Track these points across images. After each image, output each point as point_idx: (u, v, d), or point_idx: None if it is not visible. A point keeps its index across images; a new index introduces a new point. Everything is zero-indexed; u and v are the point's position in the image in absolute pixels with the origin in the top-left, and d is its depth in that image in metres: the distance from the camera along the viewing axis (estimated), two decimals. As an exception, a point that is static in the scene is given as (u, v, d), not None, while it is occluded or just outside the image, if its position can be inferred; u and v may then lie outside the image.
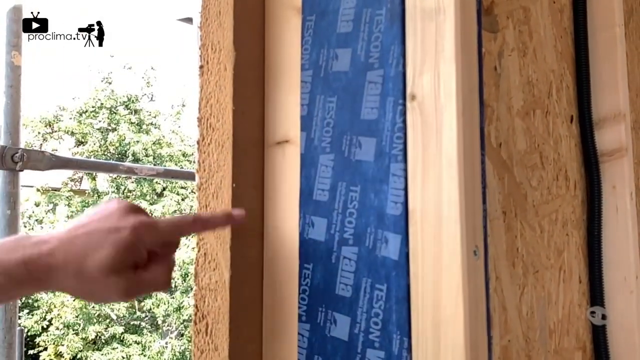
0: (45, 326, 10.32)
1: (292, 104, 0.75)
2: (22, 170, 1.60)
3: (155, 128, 12.05)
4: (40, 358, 10.26)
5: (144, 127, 11.71)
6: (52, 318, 10.36)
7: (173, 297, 10.75)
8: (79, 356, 10.24)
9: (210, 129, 0.76)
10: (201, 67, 0.79)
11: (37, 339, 10.19)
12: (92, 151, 11.06)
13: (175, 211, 11.28)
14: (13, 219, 1.63)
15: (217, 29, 0.77)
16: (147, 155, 11.02)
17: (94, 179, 11.51)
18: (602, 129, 0.98)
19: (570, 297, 0.91)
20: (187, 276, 10.74)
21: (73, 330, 10.26)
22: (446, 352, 0.58)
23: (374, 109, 0.66)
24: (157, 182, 11.26)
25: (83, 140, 11.34)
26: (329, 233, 0.69)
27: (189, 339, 10.59)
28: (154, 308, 10.70)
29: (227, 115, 0.74)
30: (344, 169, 0.69)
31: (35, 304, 10.20)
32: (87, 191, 11.65)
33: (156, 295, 10.85)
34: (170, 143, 11.74)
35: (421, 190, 0.61)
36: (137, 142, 11.04)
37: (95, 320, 10.49)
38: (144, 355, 10.38)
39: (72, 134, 11.29)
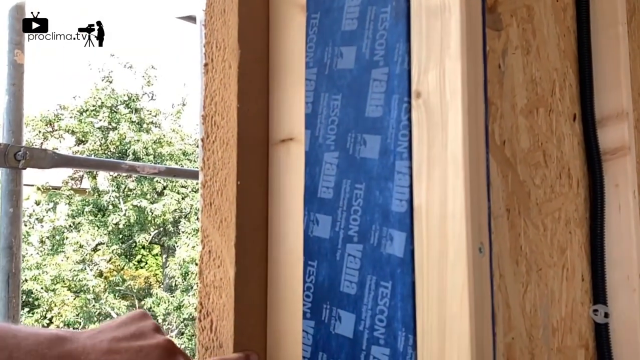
0: (45, 324, 10.33)
1: (297, 102, 0.75)
2: (24, 169, 1.60)
3: (155, 127, 12.05)
4: (41, 356, 10.25)
5: (145, 125, 11.72)
6: (52, 316, 10.37)
7: (173, 296, 10.76)
8: (79, 355, 10.23)
9: (214, 127, 0.76)
10: (206, 64, 0.79)
11: (38, 338, 10.18)
12: (92, 150, 11.06)
13: (175, 210, 11.28)
14: (15, 217, 1.63)
15: (222, 27, 0.77)
16: (147, 154, 11.03)
17: (94, 177, 11.51)
18: (604, 128, 0.98)
19: (573, 295, 0.92)
20: (188, 275, 10.76)
21: (74, 329, 10.27)
22: (451, 349, 0.58)
23: (379, 107, 0.66)
24: (157, 180, 11.26)
25: (83, 139, 11.34)
26: (333, 230, 0.69)
27: (190, 337, 10.61)
28: (154, 307, 10.71)
29: (232, 113, 0.74)
30: (349, 167, 0.69)
31: (36, 303, 10.21)
32: (87, 190, 11.66)
33: (156, 294, 10.87)
34: (170, 142, 11.75)
35: (426, 188, 0.61)
36: (138, 141, 11.04)
37: (95, 319, 10.49)
38: (145, 354, 10.37)
39: (73, 132, 11.30)
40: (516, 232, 0.80)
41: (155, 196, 11.41)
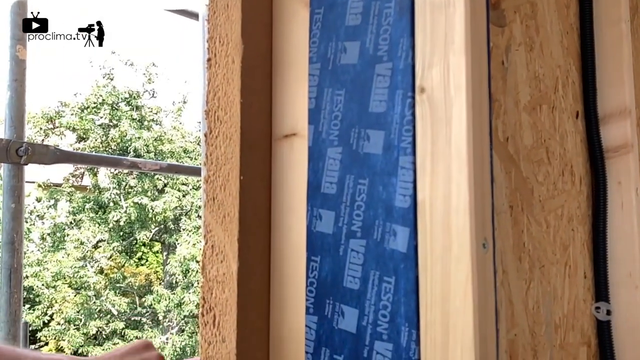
0: (46, 321, 10.35)
1: (300, 97, 0.75)
2: (26, 164, 1.60)
3: (156, 124, 12.05)
4: (41, 353, 10.27)
5: (145, 123, 11.72)
6: (53, 313, 10.38)
7: (174, 293, 10.76)
8: (80, 351, 10.26)
9: (218, 122, 0.76)
10: (209, 60, 0.79)
11: (39, 334, 10.21)
12: (93, 147, 11.06)
13: (176, 207, 11.29)
14: (17, 212, 1.63)
15: (225, 22, 0.77)
16: (148, 152, 11.03)
17: (95, 174, 11.51)
18: (607, 125, 0.98)
19: (576, 293, 0.92)
20: (188, 272, 10.76)
21: (74, 326, 10.27)
22: (455, 344, 0.58)
23: (383, 102, 0.66)
24: (158, 178, 11.27)
25: (84, 136, 11.35)
26: (336, 226, 0.69)
27: (190, 334, 10.62)
28: (154, 304, 10.72)
29: (235, 108, 0.74)
30: (352, 162, 0.69)
31: (37, 299, 10.22)
32: (88, 187, 11.66)
33: (157, 291, 10.87)
34: (171, 139, 11.75)
35: (430, 183, 0.61)
36: (139, 138, 11.04)
37: (96, 316, 10.51)
38: (145, 351, 10.38)
39: (74, 129, 11.30)
40: (519, 228, 0.80)
41: (156, 193, 11.41)
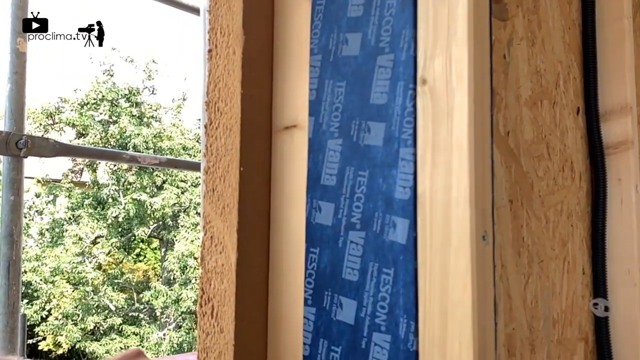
0: (44, 316, 10.35)
1: (301, 89, 0.75)
2: (26, 157, 1.60)
3: (156, 121, 12.05)
4: (39, 348, 10.28)
5: (145, 119, 11.71)
6: (51, 308, 10.38)
7: (172, 290, 10.77)
8: (77, 346, 10.26)
9: (218, 113, 0.76)
10: (210, 51, 0.78)
11: (36, 329, 10.21)
12: (92, 143, 11.06)
13: (174, 204, 11.28)
14: (16, 205, 1.63)
15: (226, 13, 0.77)
16: (147, 148, 11.02)
17: (94, 170, 11.51)
18: (608, 122, 0.98)
19: (574, 289, 0.92)
20: (186, 268, 10.76)
21: (72, 321, 10.27)
22: (453, 335, 0.58)
23: (384, 94, 0.66)
24: (157, 174, 11.27)
25: (84, 132, 11.34)
26: (336, 217, 0.69)
27: (187, 330, 10.62)
28: (152, 300, 10.72)
29: (236, 99, 0.74)
30: (353, 154, 0.69)
31: (35, 294, 10.22)
32: (87, 183, 11.66)
33: (155, 287, 10.87)
34: (170, 136, 11.74)
35: (430, 175, 0.61)
36: (138, 134, 11.04)
37: (94, 311, 10.51)
38: (142, 346, 10.39)
39: (73, 125, 11.29)
40: (519, 223, 0.80)
41: (155, 190, 11.41)
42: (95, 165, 11.41)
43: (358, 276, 0.66)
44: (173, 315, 10.92)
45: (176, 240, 11.59)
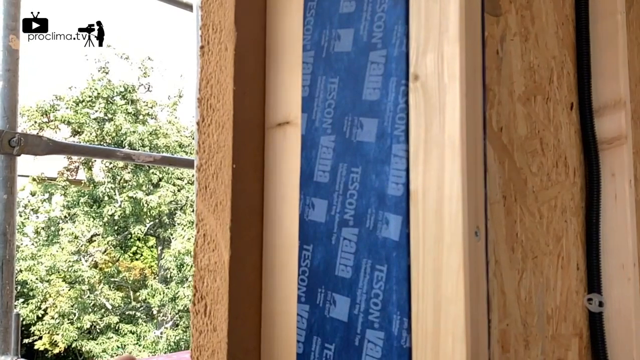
0: (40, 315, 10.33)
1: (293, 85, 0.74)
2: (19, 155, 1.59)
3: (151, 118, 12.02)
4: (35, 347, 10.26)
5: (141, 117, 11.69)
6: (47, 307, 10.37)
7: (168, 288, 10.76)
8: (73, 345, 10.25)
9: (210, 110, 0.76)
10: (202, 47, 0.78)
11: (32, 328, 10.20)
12: (88, 141, 11.03)
13: (171, 202, 11.27)
14: (10, 203, 1.62)
15: (218, 9, 0.76)
16: (143, 146, 11.00)
17: (90, 168, 11.49)
18: (602, 117, 0.98)
19: (568, 284, 0.92)
20: (183, 266, 10.76)
21: (68, 320, 10.26)
22: (446, 332, 0.58)
23: (376, 90, 0.66)
24: (153, 172, 11.25)
25: (79, 129, 11.31)
26: (329, 214, 0.69)
27: (184, 329, 10.62)
28: (149, 298, 10.71)
29: (228, 96, 0.74)
30: (345, 151, 0.68)
31: (31, 293, 10.20)
32: (83, 181, 11.63)
33: (151, 286, 10.87)
34: (166, 134, 11.73)
35: (423, 171, 0.61)
36: (134, 132, 11.01)
37: (90, 310, 10.50)
38: (139, 345, 10.39)
39: (69, 123, 11.27)
40: (512, 219, 0.80)
41: (151, 188, 11.40)
42: (90, 164, 11.38)
43: (351, 273, 0.66)
44: (170, 314, 10.92)
45: (173, 238, 11.58)
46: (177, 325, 10.83)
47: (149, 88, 12.12)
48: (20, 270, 9.83)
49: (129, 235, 11.79)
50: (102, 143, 11.09)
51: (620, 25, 0.97)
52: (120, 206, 11.07)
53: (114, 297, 10.76)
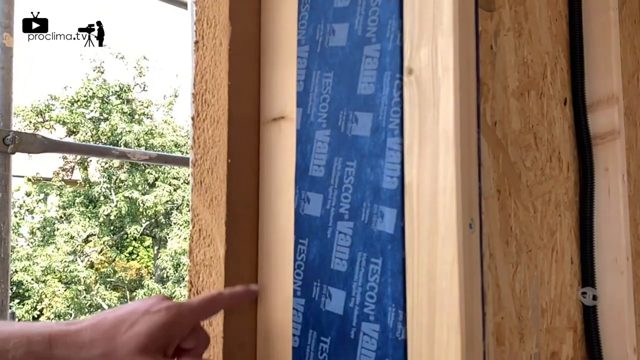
0: (36, 316, 10.30)
1: (288, 80, 0.75)
2: (13, 153, 1.59)
3: (147, 118, 12.00)
4: (31, 348, 10.22)
5: (136, 117, 11.66)
6: (43, 308, 10.33)
7: (165, 287, 10.75)
8: (70, 346, 10.21)
9: (205, 105, 0.76)
10: (196, 42, 0.78)
11: (28, 329, 10.15)
12: (83, 140, 11.00)
13: (167, 201, 11.25)
14: (4, 202, 1.62)
15: (213, 4, 0.76)
16: (139, 145, 10.98)
17: (85, 168, 11.46)
18: (595, 112, 0.98)
19: (562, 278, 0.92)
20: (179, 266, 10.74)
21: (64, 320, 10.24)
22: (441, 324, 0.58)
23: (371, 84, 0.66)
24: (149, 172, 11.23)
25: (75, 129, 11.28)
26: (324, 208, 0.69)
27: (181, 329, 10.59)
28: (146, 298, 10.68)
29: (223, 91, 0.74)
30: (340, 145, 0.69)
31: (26, 294, 10.16)
32: (78, 181, 11.60)
33: (148, 285, 10.85)
34: (162, 133, 11.70)
35: (417, 164, 0.61)
36: (129, 132, 10.99)
37: (86, 310, 10.47)
38: (136, 345, 10.37)
39: (64, 123, 11.23)
40: (506, 213, 0.80)
41: (147, 187, 11.38)
42: (86, 163, 11.36)
43: (347, 266, 0.66)
44: (166, 313, 10.88)
45: (169, 237, 11.56)
46: (174, 325, 10.81)
47: (144, 87, 12.09)
48: (16, 271, 9.80)
49: (125, 235, 11.76)
50: (97, 143, 11.06)
51: (613, 21, 0.98)
52: (116, 206, 11.05)
53: (111, 298, 10.73)
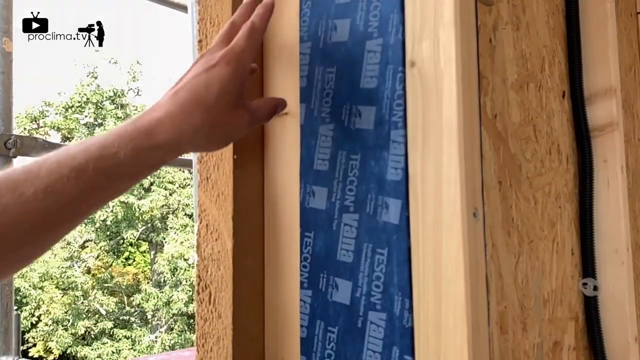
0: (34, 322, 10.27)
1: (291, 76, 0.76)
2: (15, 157, 1.60)
3: (142, 122, 11.97)
4: (30, 354, 10.20)
5: (131, 121, 11.64)
6: (40, 314, 10.31)
7: (162, 292, 10.73)
8: (68, 351, 10.20)
9: (210, 102, 0.77)
10: (200, 41, 0.79)
11: (26, 335, 10.13)
12: (79, 146, 10.96)
13: (163, 206, 11.24)
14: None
15: (216, 3, 0.78)
16: (134, 150, 10.95)
17: (81, 173, 11.42)
18: (593, 104, 1.00)
19: (563, 268, 0.93)
20: (176, 270, 10.73)
21: (62, 326, 10.21)
22: (447, 310, 0.59)
23: (374, 78, 0.67)
24: (145, 176, 11.20)
25: (69, 135, 11.27)
26: (329, 201, 0.70)
27: (179, 332, 10.59)
28: (143, 303, 10.67)
29: (227, 88, 0.75)
30: (344, 138, 0.70)
31: (24, 300, 10.13)
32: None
33: (145, 290, 10.83)
34: (157, 137, 11.67)
35: (421, 155, 0.62)
36: (125, 136, 10.96)
37: (84, 316, 10.45)
38: (134, 350, 10.36)
39: (58, 129, 11.23)
40: (508, 204, 0.82)
41: (143, 192, 11.36)
42: (82, 169, 11.32)
43: (353, 257, 0.67)
44: (164, 318, 10.88)
45: (165, 242, 11.55)
46: (172, 329, 10.80)
47: (138, 92, 12.09)
48: (14, 278, 9.77)
49: (122, 240, 11.75)
50: (93, 148, 11.02)
51: (610, 13, 0.99)
52: (112, 211, 11.03)
53: (108, 303, 10.72)
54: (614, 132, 0.97)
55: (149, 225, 11.70)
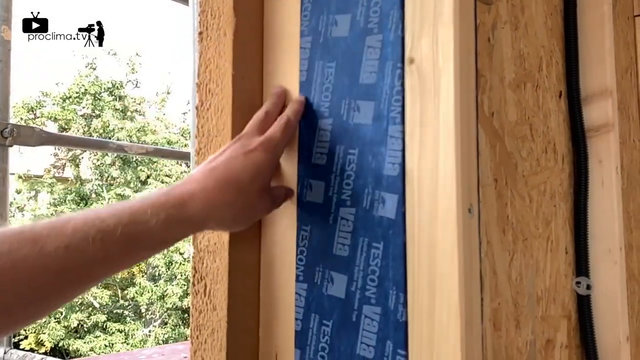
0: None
1: (292, 70, 0.76)
2: (11, 146, 1.59)
3: (139, 115, 11.96)
4: (21, 346, 10.19)
5: (129, 113, 11.62)
6: (34, 305, 10.27)
7: (157, 286, 10.72)
8: (60, 344, 10.19)
9: (209, 94, 0.77)
10: (200, 33, 0.80)
11: (19, 326, 10.10)
12: (75, 138, 10.94)
13: (159, 199, 11.20)
14: (2, 195, 1.62)
15: (217, -4, 0.78)
16: (131, 142, 10.94)
17: (77, 165, 11.41)
18: (589, 105, 1.00)
19: (557, 267, 0.94)
20: (171, 264, 10.72)
21: (55, 319, 10.19)
22: (441, 305, 0.60)
23: (373, 73, 0.68)
24: (141, 169, 11.19)
25: (66, 126, 11.23)
26: (326, 195, 0.71)
27: (173, 327, 10.58)
28: (137, 296, 10.66)
29: (227, 81, 0.75)
30: (343, 133, 0.70)
31: (17, 291, 10.09)
32: (69, 178, 11.55)
33: (139, 284, 10.82)
34: (154, 130, 11.67)
35: (418, 151, 0.63)
36: (122, 128, 10.96)
37: (77, 309, 10.43)
38: (127, 344, 10.36)
39: (56, 120, 11.18)
40: (503, 202, 0.82)
41: (139, 185, 11.34)
42: (77, 161, 11.31)
43: (348, 251, 0.68)
44: (158, 312, 10.88)
45: (161, 235, 11.51)
46: (166, 324, 10.80)
47: (136, 84, 12.06)
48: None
49: (117, 233, 11.70)
50: (89, 140, 11.01)
51: (607, 15, 1.00)
52: (108, 203, 11.01)
53: (102, 296, 10.70)
54: (610, 133, 0.98)
55: (145, 218, 11.67)
